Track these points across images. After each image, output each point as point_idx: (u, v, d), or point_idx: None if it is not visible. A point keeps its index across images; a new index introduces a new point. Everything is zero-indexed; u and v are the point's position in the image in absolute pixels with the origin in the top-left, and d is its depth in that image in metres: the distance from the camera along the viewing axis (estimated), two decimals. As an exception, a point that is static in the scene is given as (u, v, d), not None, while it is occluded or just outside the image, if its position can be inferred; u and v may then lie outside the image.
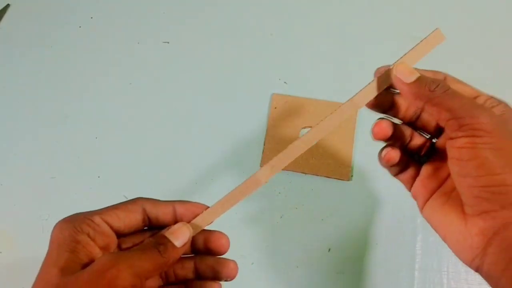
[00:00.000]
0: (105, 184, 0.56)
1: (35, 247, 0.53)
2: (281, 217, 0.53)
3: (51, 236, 0.31)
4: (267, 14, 0.64)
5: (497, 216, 0.28)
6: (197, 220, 0.33)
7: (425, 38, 0.34)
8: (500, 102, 0.33)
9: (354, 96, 0.35)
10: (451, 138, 0.30)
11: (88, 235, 0.30)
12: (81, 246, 0.29)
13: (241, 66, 0.61)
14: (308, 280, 0.50)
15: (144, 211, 0.32)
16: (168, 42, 0.64)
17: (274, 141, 0.56)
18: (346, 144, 0.54)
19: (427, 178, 0.35)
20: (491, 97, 0.33)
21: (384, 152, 0.35)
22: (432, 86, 0.31)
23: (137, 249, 0.30)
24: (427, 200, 0.34)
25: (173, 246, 0.30)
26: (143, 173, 0.56)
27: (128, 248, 0.32)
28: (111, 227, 0.31)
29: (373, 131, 0.35)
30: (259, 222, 0.53)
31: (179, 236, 0.31)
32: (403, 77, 0.33)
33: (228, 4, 0.65)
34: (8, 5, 0.67)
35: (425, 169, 0.35)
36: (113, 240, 0.32)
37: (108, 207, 0.33)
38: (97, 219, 0.31)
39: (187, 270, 0.34)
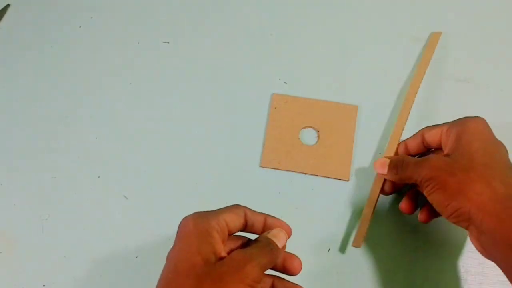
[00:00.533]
0: (105, 184, 0.56)
1: (35, 247, 0.53)
2: (280, 217, 0.53)
3: (184, 227, 0.36)
4: (267, 14, 0.64)
5: (470, 229, 0.41)
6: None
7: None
8: (456, 124, 0.44)
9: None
10: (421, 191, 0.44)
11: (217, 232, 0.35)
12: (215, 240, 0.34)
13: (241, 66, 0.61)
14: (308, 280, 0.50)
15: (246, 216, 0.39)
16: (168, 42, 0.64)
17: (274, 141, 0.56)
18: (346, 144, 0.54)
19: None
20: (450, 125, 0.44)
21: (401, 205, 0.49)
22: (397, 170, 0.46)
23: (256, 246, 0.37)
24: None
25: (277, 246, 0.38)
26: (143, 173, 0.56)
27: (234, 248, 0.38)
28: (228, 227, 0.37)
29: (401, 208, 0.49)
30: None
31: (280, 239, 0.39)
32: (380, 171, 0.48)
33: (228, 4, 0.65)
34: (8, 5, 0.67)
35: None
36: (226, 238, 0.37)
37: (221, 209, 0.38)
38: (221, 218, 0.36)
39: (266, 284, 0.40)
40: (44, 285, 0.51)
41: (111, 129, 0.59)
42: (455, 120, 0.45)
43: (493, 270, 0.49)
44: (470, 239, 0.43)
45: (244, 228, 0.39)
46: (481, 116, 0.44)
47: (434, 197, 0.41)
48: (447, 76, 0.59)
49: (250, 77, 0.61)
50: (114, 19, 0.66)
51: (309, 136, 0.55)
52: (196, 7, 0.66)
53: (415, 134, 0.49)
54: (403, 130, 0.53)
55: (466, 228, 0.41)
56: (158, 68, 0.62)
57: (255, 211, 0.40)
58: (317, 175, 0.54)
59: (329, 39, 0.62)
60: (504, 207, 0.37)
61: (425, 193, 0.42)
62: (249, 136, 0.57)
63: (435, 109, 0.57)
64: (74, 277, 0.52)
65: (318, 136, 0.51)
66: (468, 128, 0.42)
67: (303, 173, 0.54)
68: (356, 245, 0.50)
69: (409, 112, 0.54)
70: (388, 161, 0.47)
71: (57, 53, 0.64)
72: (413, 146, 0.49)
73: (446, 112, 0.56)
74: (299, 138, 0.49)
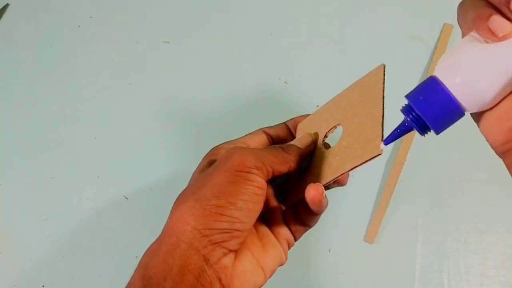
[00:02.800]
0: (104, 184, 0.56)
1: (35, 247, 0.53)
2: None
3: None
4: (267, 14, 0.64)
5: None
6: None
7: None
8: None
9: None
10: None
11: (225, 146, 0.36)
12: (220, 155, 0.34)
13: (241, 66, 0.61)
14: (308, 280, 0.50)
15: (265, 131, 0.38)
16: (168, 42, 0.63)
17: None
18: (373, 113, 0.35)
19: None
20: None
21: None
22: None
23: (262, 148, 0.36)
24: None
25: (297, 147, 0.35)
26: (143, 173, 0.56)
27: None
28: (249, 147, 0.36)
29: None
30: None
31: (302, 140, 0.36)
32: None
33: (228, 4, 0.65)
34: (7, 5, 0.67)
35: None
36: None
37: (239, 137, 0.38)
38: (236, 141, 0.36)
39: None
40: (43, 285, 0.51)
41: (110, 129, 0.59)
42: None
43: (493, 270, 0.49)
44: None
45: (273, 140, 0.38)
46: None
47: None
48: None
49: (250, 77, 0.61)
50: (114, 18, 0.66)
51: (333, 138, 0.42)
52: (196, 7, 0.65)
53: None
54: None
55: None
56: (158, 68, 0.62)
57: (273, 125, 0.39)
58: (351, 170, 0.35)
59: (329, 39, 0.62)
60: None
61: None
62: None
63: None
64: (74, 277, 0.52)
65: (343, 129, 0.36)
66: None
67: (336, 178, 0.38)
68: (369, 240, 0.50)
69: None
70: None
71: (56, 52, 0.64)
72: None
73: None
74: (323, 148, 0.37)
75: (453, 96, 0.27)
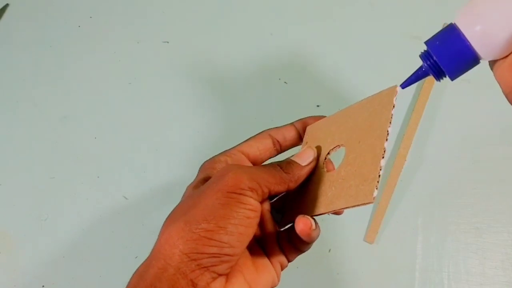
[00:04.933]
0: (104, 184, 0.56)
1: (35, 247, 0.53)
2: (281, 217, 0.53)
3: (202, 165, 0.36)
4: (267, 14, 0.64)
5: None
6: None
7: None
8: None
9: None
10: None
11: (226, 163, 0.34)
12: (216, 171, 0.33)
13: (241, 66, 0.61)
14: (308, 281, 0.50)
15: (271, 135, 0.36)
16: (168, 42, 0.63)
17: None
18: (374, 146, 0.33)
19: None
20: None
21: None
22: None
23: (258, 166, 0.34)
24: None
25: (298, 164, 0.33)
26: (143, 173, 0.56)
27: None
28: (248, 156, 0.35)
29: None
30: (259, 222, 0.53)
31: (303, 156, 0.33)
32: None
33: (228, 4, 0.65)
34: (7, 5, 0.67)
35: None
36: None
37: (241, 142, 0.36)
38: (233, 151, 0.35)
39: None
40: (43, 285, 0.51)
41: (110, 129, 0.59)
42: None
43: (493, 270, 0.49)
44: None
45: (279, 147, 0.36)
46: (480, 116, 0.43)
47: None
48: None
49: (250, 77, 0.61)
50: (114, 18, 0.66)
51: (337, 158, 0.39)
52: (196, 7, 0.65)
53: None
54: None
55: None
56: (158, 68, 0.62)
57: (282, 126, 0.36)
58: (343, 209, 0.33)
59: (329, 39, 0.62)
60: None
61: None
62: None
63: (437, 109, 0.57)
64: (74, 277, 0.52)
65: (345, 154, 0.33)
66: None
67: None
68: (369, 240, 0.49)
69: (426, 102, 0.55)
70: None
71: (56, 52, 0.64)
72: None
73: (448, 112, 0.56)
74: (323, 168, 0.34)
75: (470, 44, 0.28)
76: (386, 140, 0.30)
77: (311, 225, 0.32)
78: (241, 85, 0.60)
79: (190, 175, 0.56)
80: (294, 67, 0.61)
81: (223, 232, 0.28)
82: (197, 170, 0.56)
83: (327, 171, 0.33)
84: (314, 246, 0.52)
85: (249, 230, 0.29)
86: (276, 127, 0.37)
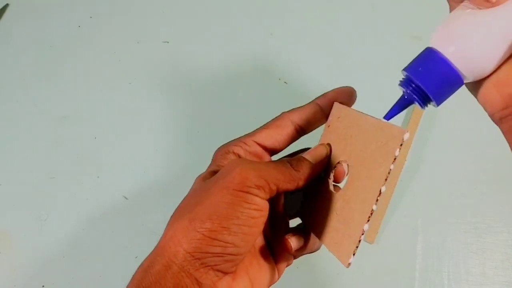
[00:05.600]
0: (104, 184, 0.56)
1: (34, 247, 0.53)
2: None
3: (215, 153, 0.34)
4: (267, 14, 0.64)
5: None
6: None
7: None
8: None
9: None
10: None
11: (239, 155, 0.32)
12: (226, 162, 0.32)
13: (241, 66, 0.61)
14: (308, 280, 0.50)
15: (293, 121, 0.33)
16: (168, 42, 0.63)
17: None
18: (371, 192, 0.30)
19: None
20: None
21: None
22: None
23: (267, 162, 0.32)
24: None
25: (308, 162, 0.31)
26: (143, 173, 0.56)
27: None
28: (264, 147, 0.33)
29: None
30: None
31: (313, 153, 0.32)
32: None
33: (228, 3, 0.65)
34: (7, 5, 0.67)
35: None
36: (267, 159, 0.33)
37: (259, 128, 0.34)
38: (248, 141, 0.33)
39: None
40: (43, 285, 0.51)
41: (110, 129, 0.59)
42: None
43: (493, 270, 0.49)
44: None
45: (302, 133, 0.34)
46: (480, 116, 0.43)
47: None
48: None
49: (250, 77, 0.61)
50: (114, 18, 0.66)
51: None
52: (196, 7, 0.65)
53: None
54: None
55: None
56: (158, 68, 0.62)
57: (303, 106, 0.34)
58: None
59: (329, 39, 0.62)
60: None
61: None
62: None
63: (437, 109, 0.57)
64: (74, 277, 0.52)
65: (347, 179, 0.31)
66: None
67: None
68: (370, 240, 0.50)
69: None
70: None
71: (56, 52, 0.64)
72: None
73: (448, 112, 0.56)
74: (330, 178, 0.32)
75: (452, 64, 0.27)
76: (376, 201, 0.28)
77: (291, 248, 0.32)
78: (241, 85, 0.60)
79: (190, 175, 0.56)
80: (294, 67, 0.61)
81: (226, 233, 0.28)
82: (197, 171, 0.56)
83: (334, 179, 0.32)
84: (314, 246, 0.52)
85: (254, 229, 0.29)
86: (298, 109, 0.34)
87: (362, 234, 0.28)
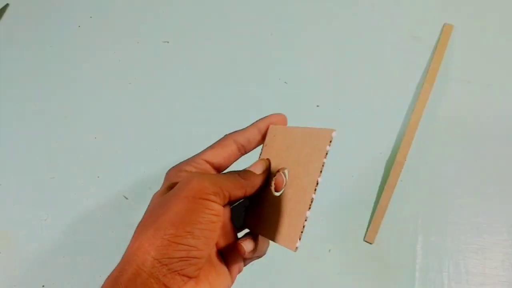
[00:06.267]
0: (104, 184, 0.56)
1: (34, 247, 0.53)
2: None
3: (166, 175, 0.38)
4: (267, 14, 0.64)
5: None
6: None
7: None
8: None
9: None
10: None
11: (190, 172, 0.36)
12: (181, 178, 0.34)
13: (241, 66, 0.61)
14: (308, 280, 0.50)
15: (236, 141, 0.37)
16: (168, 42, 0.63)
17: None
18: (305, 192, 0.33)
19: None
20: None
21: None
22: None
23: (219, 174, 0.36)
24: None
25: (253, 173, 0.35)
26: (143, 173, 0.56)
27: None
28: (212, 164, 0.36)
29: None
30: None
31: (256, 165, 0.36)
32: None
33: (228, 4, 0.65)
34: (7, 5, 0.67)
35: None
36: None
37: (206, 148, 0.37)
38: (197, 160, 0.36)
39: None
40: (43, 285, 0.51)
41: (110, 129, 0.59)
42: None
43: (493, 270, 0.49)
44: None
45: (244, 151, 0.38)
46: (480, 116, 0.43)
47: None
48: (448, 75, 0.59)
49: (250, 77, 0.61)
50: (114, 18, 0.66)
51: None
52: (196, 7, 0.65)
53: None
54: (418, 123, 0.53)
55: None
56: (158, 68, 0.62)
57: (245, 128, 0.38)
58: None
59: (329, 39, 0.62)
60: None
61: None
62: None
63: (437, 109, 0.57)
64: (74, 277, 0.52)
65: (287, 181, 0.35)
66: None
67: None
68: (370, 240, 0.50)
69: (426, 101, 0.55)
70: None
71: (56, 52, 0.64)
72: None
73: (448, 112, 0.56)
74: (271, 186, 0.36)
75: None
76: (315, 191, 0.31)
77: (244, 252, 0.34)
78: (241, 85, 0.60)
79: (190, 175, 0.56)
80: (294, 67, 0.61)
81: (190, 237, 0.30)
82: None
83: (275, 189, 0.35)
84: (314, 246, 0.52)
85: (214, 233, 0.31)
86: (240, 131, 0.38)
87: (306, 220, 0.31)
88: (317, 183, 0.32)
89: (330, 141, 0.32)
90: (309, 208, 0.31)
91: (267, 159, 0.37)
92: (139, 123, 0.59)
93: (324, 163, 0.32)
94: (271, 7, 0.65)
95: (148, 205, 0.35)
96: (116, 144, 0.58)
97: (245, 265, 0.37)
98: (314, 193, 0.31)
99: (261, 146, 0.39)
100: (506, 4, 0.63)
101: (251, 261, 0.37)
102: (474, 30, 0.61)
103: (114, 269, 0.31)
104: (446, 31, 0.60)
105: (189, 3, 0.66)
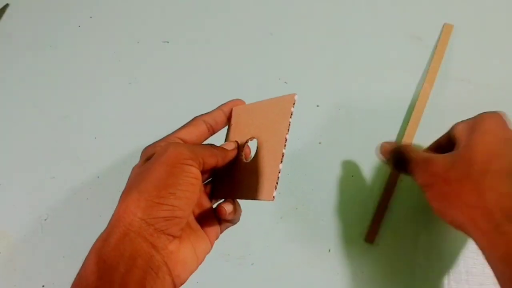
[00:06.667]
0: (104, 184, 0.56)
1: (34, 247, 0.53)
2: (281, 217, 0.53)
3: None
4: (267, 14, 0.64)
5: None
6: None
7: None
8: (471, 121, 0.42)
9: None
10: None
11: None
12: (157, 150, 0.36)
13: (241, 66, 0.61)
14: (308, 280, 0.50)
15: (205, 121, 0.40)
16: (168, 42, 0.63)
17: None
18: (275, 152, 0.36)
19: None
20: (467, 123, 0.42)
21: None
22: (399, 163, 0.44)
23: (193, 144, 0.39)
24: None
25: (224, 149, 0.38)
26: (143, 173, 0.56)
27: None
28: (185, 141, 0.39)
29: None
30: (259, 223, 0.53)
31: (227, 144, 0.39)
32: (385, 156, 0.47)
33: (228, 3, 0.65)
34: (7, 5, 0.67)
35: None
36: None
37: (178, 128, 0.40)
38: (172, 137, 0.39)
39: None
40: (43, 285, 0.51)
41: (110, 129, 0.59)
42: (476, 115, 0.42)
43: (493, 270, 0.49)
44: None
45: (212, 131, 0.41)
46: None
47: (432, 204, 0.40)
48: (448, 75, 0.59)
49: (250, 77, 0.61)
50: (114, 18, 0.66)
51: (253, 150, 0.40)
52: (196, 7, 0.65)
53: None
54: (419, 119, 0.55)
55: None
56: (158, 68, 0.62)
57: (211, 111, 0.42)
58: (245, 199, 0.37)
59: (329, 39, 0.62)
60: (495, 226, 0.34)
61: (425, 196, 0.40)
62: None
63: (437, 109, 0.57)
64: (74, 277, 0.52)
65: (257, 147, 0.37)
66: (480, 126, 0.39)
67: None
68: (369, 240, 0.50)
69: (426, 101, 0.56)
70: (390, 147, 0.46)
71: (56, 52, 0.64)
72: (444, 142, 0.45)
73: (448, 112, 0.56)
74: (242, 155, 0.38)
75: None
76: (284, 146, 0.34)
77: (226, 212, 0.37)
78: (241, 85, 0.60)
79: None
80: (294, 67, 0.61)
81: (173, 197, 0.32)
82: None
83: (245, 158, 0.38)
84: (314, 246, 0.52)
85: (194, 195, 0.33)
86: (207, 113, 0.41)
87: (279, 172, 0.33)
88: (286, 140, 0.34)
89: (293, 103, 0.35)
90: (281, 161, 0.34)
91: (235, 140, 0.40)
92: (139, 123, 0.59)
93: (290, 122, 0.35)
94: (271, 7, 0.65)
95: (129, 176, 0.37)
96: (116, 144, 0.58)
97: (221, 232, 0.40)
98: (284, 148, 0.34)
99: (226, 129, 0.42)
100: (507, 4, 0.63)
101: (226, 227, 0.40)
102: (474, 30, 0.61)
103: (103, 231, 0.34)
104: (446, 31, 0.60)
105: (189, 3, 0.66)
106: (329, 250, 0.52)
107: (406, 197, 0.53)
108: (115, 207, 0.56)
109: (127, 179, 0.56)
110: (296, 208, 0.54)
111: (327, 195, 0.54)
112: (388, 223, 0.52)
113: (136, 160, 0.57)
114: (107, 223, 0.55)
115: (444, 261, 0.50)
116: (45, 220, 0.54)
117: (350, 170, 0.55)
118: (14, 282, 0.52)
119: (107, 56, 0.63)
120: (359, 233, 0.52)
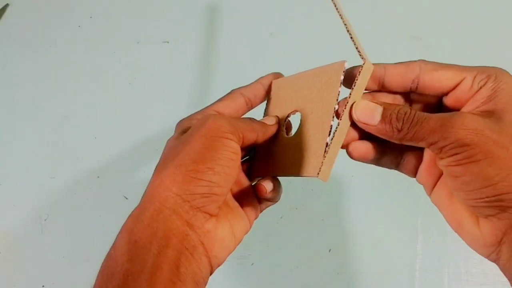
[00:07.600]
0: (104, 184, 0.56)
1: (34, 248, 0.53)
2: (281, 217, 0.53)
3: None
4: (267, 14, 0.64)
5: (502, 217, 0.28)
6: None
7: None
8: (489, 75, 0.32)
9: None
10: (439, 158, 0.30)
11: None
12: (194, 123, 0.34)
13: (241, 66, 0.61)
14: (308, 280, 0.50)
15: (243, 94, 0.38)
16: (168, 42, 0.63)
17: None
18: (323, 123, 0.33)
19: (432, 163, 0.34)
20: (478, 73, 0.33)
21: (350, 148, 0.34)
22: (399, 125, 0.31)
23: (233, 116, 0.36)
24: (434, 186, 0.36)
25: (265, 123, 0.36)
26: (143, 173, 0.56)
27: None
28: (223, 115, 0.36)
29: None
30: (259, 223, 0.53)
31: (267, 119, 0.37)
32: (366, 119, 0.32)
33: (228, 4, 0.65)
34: (7, 5, 0.67)
35: (428, 154, 0.34)
36: None
37: (215, 101, 0.38)
38: (209, 110, 0.36)
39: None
40: (43, 285, 0.51)
41: (110, 129, 0.59)
42: (479, 68, 0.34)
43: (493, 270, 0.49)
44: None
45: (251, 105, 0.39)
46: None
47: (468, 170, 0.28)
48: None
49: (249, 77, 0.61)
50: (114, 18, 0.66)
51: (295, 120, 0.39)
52: (196, 8, 0.65)
53: (403, 64, 0.37)
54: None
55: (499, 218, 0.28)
56: (158, 68, 0.62)
57: (251, 84, 0.39)
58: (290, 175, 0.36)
59: (329, 39, 0.62)
60: None
61: (448, 161, 0.29)
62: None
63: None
64: (74, 277, 0.52)
65: (301, 120, 0.35)
66: (508, 85, 0.31)
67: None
68: (323, 178, 0.36)
69: None
70: (380, 108, 0.33)
71: (56, 52, 0.64)
72: (396, 84, 0.37)
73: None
74: (283, 130, 0.36)
75: None
76: (333, 117, 0.31)
77: (266, 190, 0.34)
78: (241, 85, 0.60)
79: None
80: (294, 67, 0.61)
81: (211, 173, 0.30)
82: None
83: (287, 133, 0.36)
84: (314, 246, 0.52)
85: (233, 171, 0.31)
86: (245, 86, 0.39)
87: (327, 146, 0.31)
88: (335, 110, 0.31)
89: (343, 71, 0.33)
90: (329, 134, 0.31)
91: (276, 115, 0.37)
92: (139, 123, 0.59)
93: (339, 91, 0.32)
94: (271, 7, 0.65)
95: (164, 150, 0.35)
96: (116, 144, 0.58)
97: (261, 211, 0.37)
98: (333, 120, 0.31)
99: (265, 103, 0.40)
100: (508, 3, 0.63)
101: (267, 206, 0.37)
102: (475, 30, 0.61)
103: (136, 208, 0.32)
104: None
105: (189, 3, 0.66)
106: (329, 250, 0.52)
107: (406, 197, 0.53)
108: (115, 207, 0.56)
109: (126, 179, 0.56)
110: (296, 208, 0.54)
111: (327, 195, 0.54)
112: (388, 223, 0.52)
113: (136, 160, 0.57)
114: (107, 223, 0.55)
115: (444, 261, 0.50)
116: (45, 220, 0.54)
117: (350, 170, 0.55)
118: (14, 282, 0.51)
119: (107, 56, 0.63)
120: (359, 233, 0.52)
